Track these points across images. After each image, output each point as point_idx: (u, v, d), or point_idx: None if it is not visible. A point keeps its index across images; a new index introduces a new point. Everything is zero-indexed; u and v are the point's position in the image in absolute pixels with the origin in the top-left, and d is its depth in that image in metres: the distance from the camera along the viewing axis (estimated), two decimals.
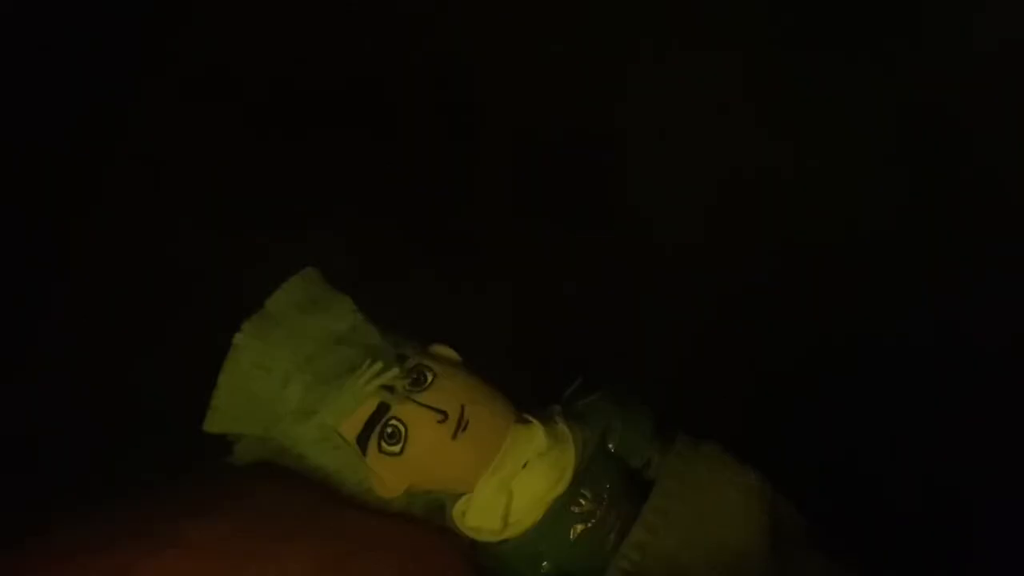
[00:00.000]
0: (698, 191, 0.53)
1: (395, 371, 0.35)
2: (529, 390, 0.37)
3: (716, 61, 0.51)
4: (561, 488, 0.35)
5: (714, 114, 0.52)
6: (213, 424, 0.36)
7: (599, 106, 0.55)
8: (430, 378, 0.35)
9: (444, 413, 0.34)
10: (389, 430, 0.34)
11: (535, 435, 0.35)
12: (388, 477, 0.35)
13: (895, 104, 0.47)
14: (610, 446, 0.38)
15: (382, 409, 0.34)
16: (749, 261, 0.51)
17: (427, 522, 0.37)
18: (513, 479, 0.35)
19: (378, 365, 0.35)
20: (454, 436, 0.34)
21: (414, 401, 0.34)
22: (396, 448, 0.34)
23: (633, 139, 0.55)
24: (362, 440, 0.35)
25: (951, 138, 0.45)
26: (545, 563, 0.35)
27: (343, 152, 0.52)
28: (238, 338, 0.36)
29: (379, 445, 0.34)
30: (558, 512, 0.35)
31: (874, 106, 0.48)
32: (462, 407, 0.34)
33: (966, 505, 0.42)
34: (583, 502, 0.35)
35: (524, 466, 0.35)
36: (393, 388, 0.34)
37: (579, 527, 0.35)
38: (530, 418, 0.36)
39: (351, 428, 0.35)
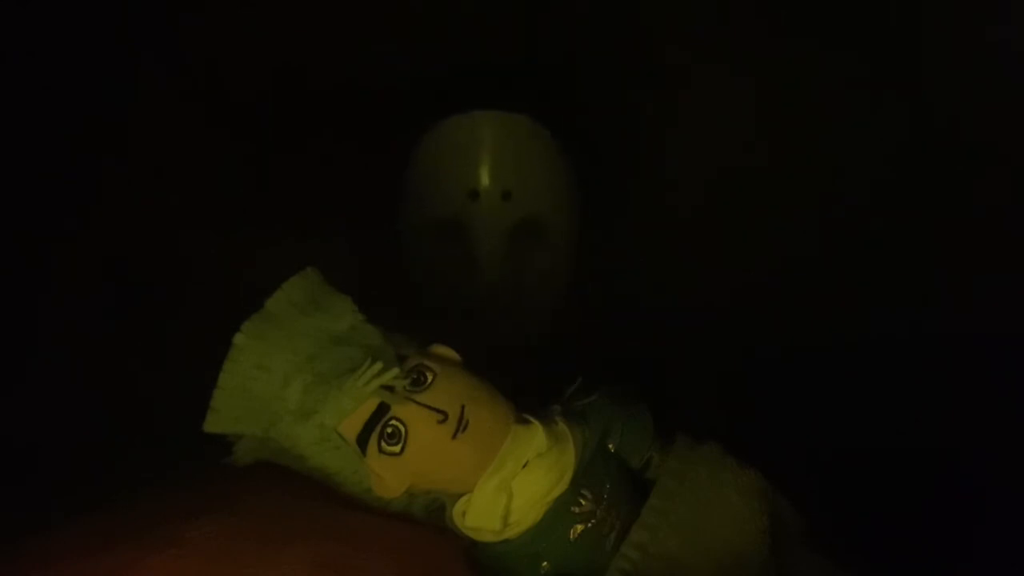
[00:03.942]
0: (696, 191, 0.53)
1: (395, 371, 0.34)
2: (529, 390, 0.37)
3: (714, 62, 0.51)
4: (561, 488, 0.35)
5: (711, 114, 0.52)
6: (213, 424, 0.36)
7: (595, 106, 0.55)
8: (430, 378, 0.35)
9: (444, 413, 0.34)
10: (389, 430, 0.34)
11: (535, 435, 0.35)
12: (388, 477, 0.34)
13: (894, 105, 0.47)
14: (610, 446, 0.38)
15: (382, 409, 0.34)
16: (749, 259, 0.51)
17: (427, 522, 0.37)
18: (513, 479, 0.35)
19: (378, 365, 0.35)
20: (454, 436, 0.34)
21: (414, 401, 0.34)
22: (396, 448, 0.34)
23: (631, 140, 0.55)
24: (362, 440, 0.35)
25: (948, 139, 0.45)
26: (545, 563, 0.35)
27: (344, 152, 0.52)
28: (238, 338, 0.36)
29: (379, 445, 0.34)
30: (558, 512, 0.35)
31: (873, 107, 0.48)
32: (462, 407, 0.34)
33: (967, 505, 0.42)
34: (583, 502, 0.35)
35: (524, 466, 0.35)
36: (393, 388, 0.34)
37: (579, 527, 0.35)
38: (530, 418, 0.36)
39: (351, 428, 0.35)
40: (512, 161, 0.48)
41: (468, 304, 0.51)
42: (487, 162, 0.48)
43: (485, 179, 0.48)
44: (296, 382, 0.36)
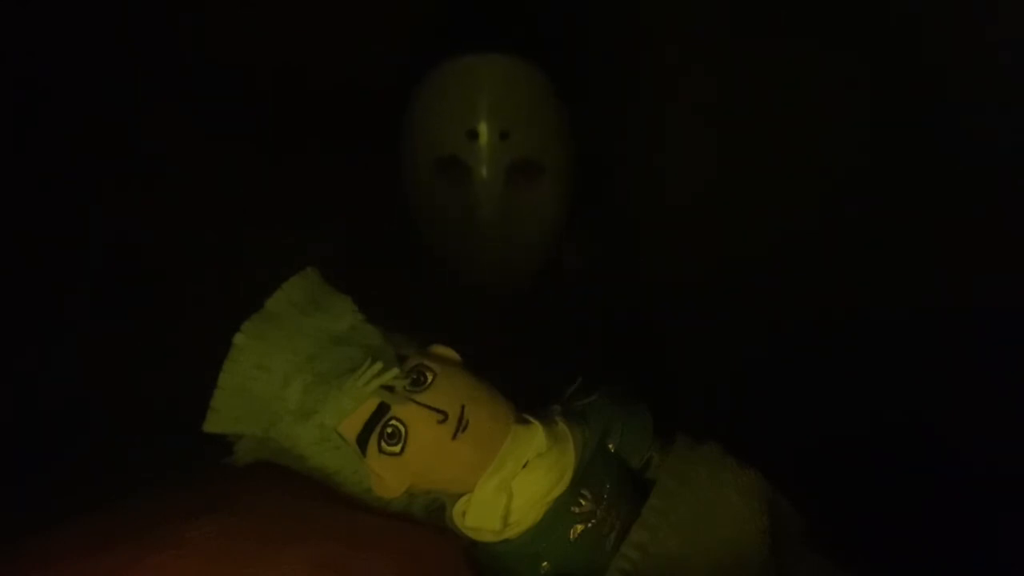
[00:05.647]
0: (695, 191, 0.53)
1: (395, 371, 0.34)
2: (529, 390, 0.37)
3: (714, 62, 0.51)
4: (561, 488, 0.35)
5: (710, 114, 0.52)
6: (213, 424, 0.36)
7: (595, 104, 0.55)
8: (430, 378, 0.35)
9: (444, 413, 0.34)
10: (389, 430, 0.34)
11: (535, 435, 0.35)
12: (388, 477, 0.34)
13: (894, 105, 0.47)
14: (610, 446, 0.38)
15: (382, 409, 0.34)
16: (749, 258, 0.51)
17: (427, 522, 0.37)
18: (513, 479, 0.35)
19: (378, 365, 0.35)
20: (454, 436, 0.34)
21: (414, 401, 0.34)
22: (396, 448, 0.34)
23: (631, 139, 0.55)
24: (362, 440, 0.35)
25: (947, 139, 0.45)
26: (545, 563, 0.35)
27: (344, 152, 0.52)
28: (238, 338, 0.36)
29: (379, 445, 0.34)
30: (558, 512, 0.35)
31: (873, 107, 0.48)
32: (462, 407, 0.34)
33: (967, 505, 0.42)
34: (583, 502, 0.35)
35: (524, 466, 0.35)
36: (393, 388, 0.34)
37: (579, 527, 0.35)
38: (530, 418, 0.36)
39: (351, 428, 0.35)
40: (510, 103, 0.50)
41: (467, 239, 0.52)
42: (485, 103, 0.49)
43: (483, 119, 0.49)
44: (296, 382, 0.36)
